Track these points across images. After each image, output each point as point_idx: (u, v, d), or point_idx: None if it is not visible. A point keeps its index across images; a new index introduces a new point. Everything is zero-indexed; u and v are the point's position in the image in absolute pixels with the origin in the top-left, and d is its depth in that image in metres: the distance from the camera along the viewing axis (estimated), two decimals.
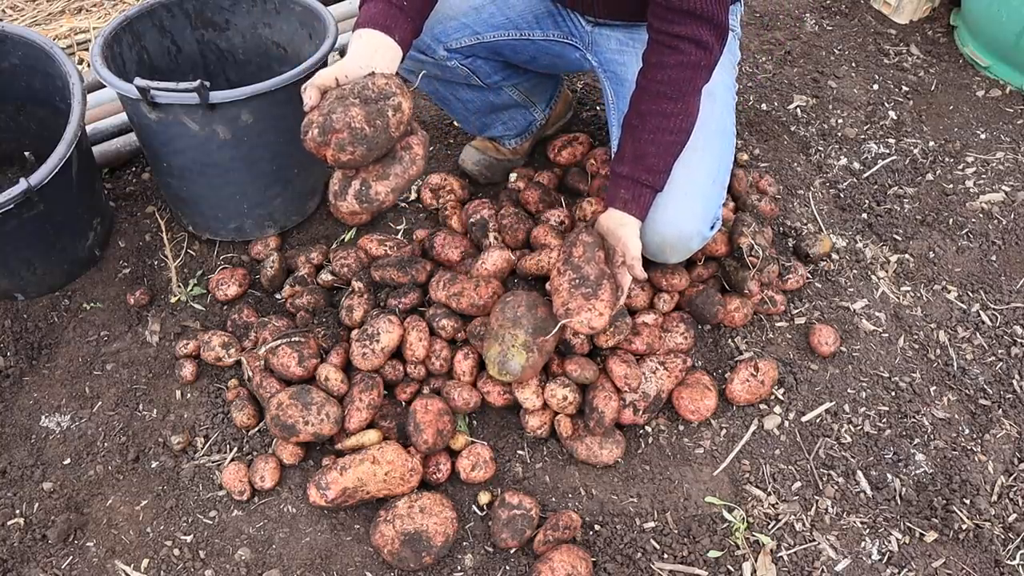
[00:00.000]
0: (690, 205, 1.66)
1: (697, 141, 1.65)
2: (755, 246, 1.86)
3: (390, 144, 1.39)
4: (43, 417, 1.79)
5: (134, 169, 2.32)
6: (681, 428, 1.77)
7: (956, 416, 1.80)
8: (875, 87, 2.61)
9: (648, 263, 1.84)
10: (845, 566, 1.58)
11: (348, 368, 1.74)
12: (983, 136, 2.45)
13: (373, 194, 1.39)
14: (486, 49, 1.86)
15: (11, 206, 1.68)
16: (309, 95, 1.40)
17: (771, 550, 1.59)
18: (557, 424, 1.69)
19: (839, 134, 2.45)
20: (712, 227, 1.73)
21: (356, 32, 1.47)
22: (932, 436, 1.77)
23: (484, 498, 1.65)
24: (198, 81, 1.70)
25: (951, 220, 2.20)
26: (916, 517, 1.65)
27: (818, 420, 1.79)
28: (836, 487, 1.69)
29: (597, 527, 1.62)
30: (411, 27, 1.51)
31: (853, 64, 2.70)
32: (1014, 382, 1.86)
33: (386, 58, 1.44)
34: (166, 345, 1.90)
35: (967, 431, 1.78)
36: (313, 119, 1.37)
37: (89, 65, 2.57)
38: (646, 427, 1.77)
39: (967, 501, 1.66)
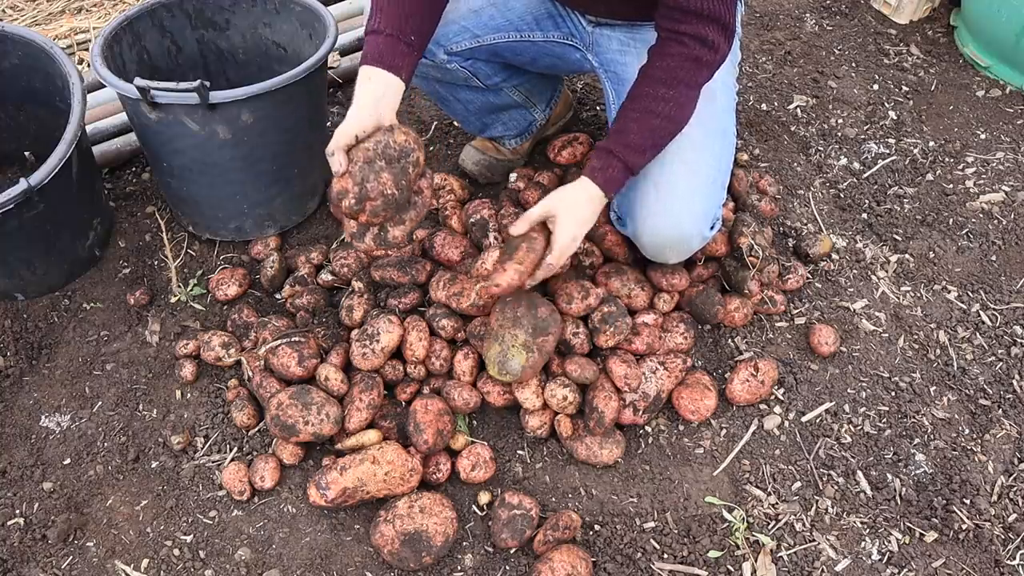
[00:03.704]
0: (690, 205, 1.65)
1: (697, 141, 1.65)
2: (755, 246, 1.86)
3: (409, 197, 1.51)
4: (43, 417, 1.79)
5: (134, 169, 2.33)
6: (681, 428, 1.77)
7: (956, 416, 1.81)
8: (875, 87, 2.61)
9: (648, 263, 1.84)
10: (845, 566, 1.58)
11: (348, 368, 1.74)
12: (983, 136, 2.45)
13: (391, 238, 1.52)
14: (486, 51, 1.86)
15: (11, 206, 1.68)
16: (339, 161, 1.44)
17: (771, 550, 1.59)
18: (557, 424, 1.69)
19: (839, 134, 2.45)
20: (712, 227, 1.73)
21: (364, 70, 1.49)
22: (932, 436, 1.77)
23: (484, 498, 1.65)
24: (198, 81, 1.70)
25: (951, 220, 2.20)
26: (916, 517, 1.65)
27: (818, 420, 1.79)
28: (836, 487, 1.69)
29: (597, 527, 1.62)
30: (416, 58, 1.54)
31: (853, 64, 2.70)
32: (1014, 382, 1.86)
33: (392, 101, 1.49)
34: (166, 345, 1.90)
35: (967, 431, 1.78)
36: (348, 189, 1.44)
37: (89, 65, 2.57)
38: (646, 427, 1.77)
39: (967, 501, 1.66)
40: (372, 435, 1.64)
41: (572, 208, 1.58)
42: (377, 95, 1.47)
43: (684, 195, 1.64)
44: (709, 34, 1.49)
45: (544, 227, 1.62)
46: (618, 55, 1.80)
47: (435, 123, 2.47)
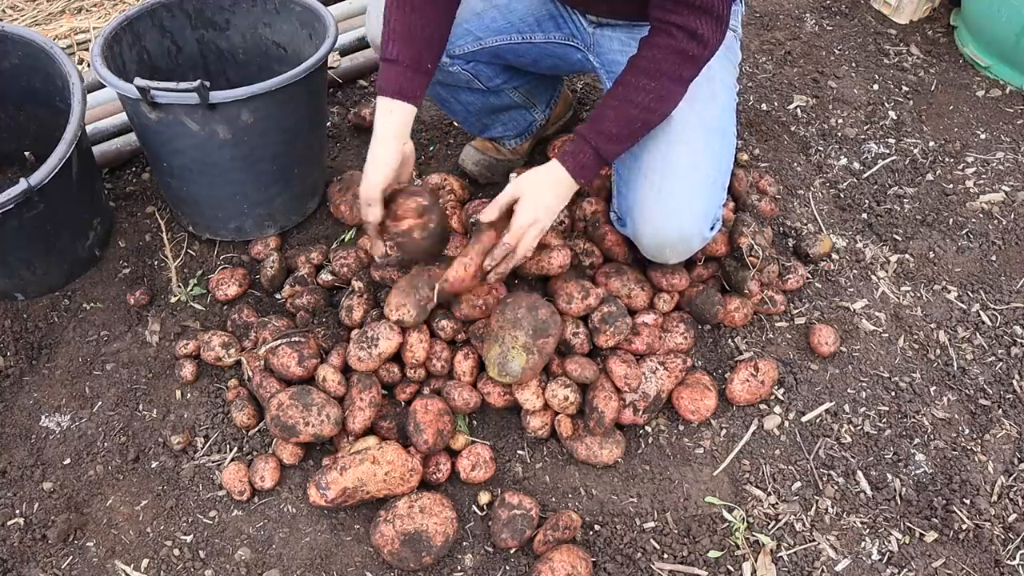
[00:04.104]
0: (690, 205, 1.65)
1: (697, 141, 1.64)
2: (755, 246, 1.86)
3: (421, 258, 1.73)
4: (43, 417, 1.79)
5: (134, 169, 2.32)
6: (681, 428, 1.77)
7: (956, 416, 1.81)
8: (875, 87, 2.61)
9: (648, 263, 1.84)
10: (845, 566, 1.58)
11: (347, 369, 1.74)
12: (983, 136, 2.45)
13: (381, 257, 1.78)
14: (488, 54, 1.86)
15: (11, 206, 1.68)
16: (376, 213, 1.58)
17: (771, 550, 1.59)
18: (557, 424, 1.69)
19: (839, 134, 2.45)
20: (713, 227, 1.72)
21: (384, 102, 1.55)
22: (932, 436, 1.77)
23: (484, 498, 1.65)
24: (198, 81, 1.70)
25: (951, 220, 2.20)
26: (916, 517, 1.65)
27: (818, 420, 1.79)
28: (836, 487, 1.69)
29: (597, 527, 1.62)
30: (429, 79, 1.60)
31: (853, 64, 2.70)
32: (1014, 382, 1.86)
33: (409, 126, 1.58)
34: (166, 345, 1.90)
35: (967, 431, 1.78)
36: (418, 207, 1.61)
37: (89, 65, 2.57)
38: (646, 427, 1.77)
39: (967, 501, 1.66)
40: (371, 442, 1.64)
41: (535, 189, 1.57)
42: (398, 128, 1.55)
43: (684, 195, 1.64)
44: (700, 27, 1.47)
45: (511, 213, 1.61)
46: (619, 55, 1.80)
47: (435, 123, 2.47)
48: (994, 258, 2.12)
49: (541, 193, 1.57)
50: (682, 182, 1.63)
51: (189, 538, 1.61)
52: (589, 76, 2.61)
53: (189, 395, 1.82)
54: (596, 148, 1.55)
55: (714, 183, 1.70)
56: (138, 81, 1.71)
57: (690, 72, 1.54)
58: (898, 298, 2.03)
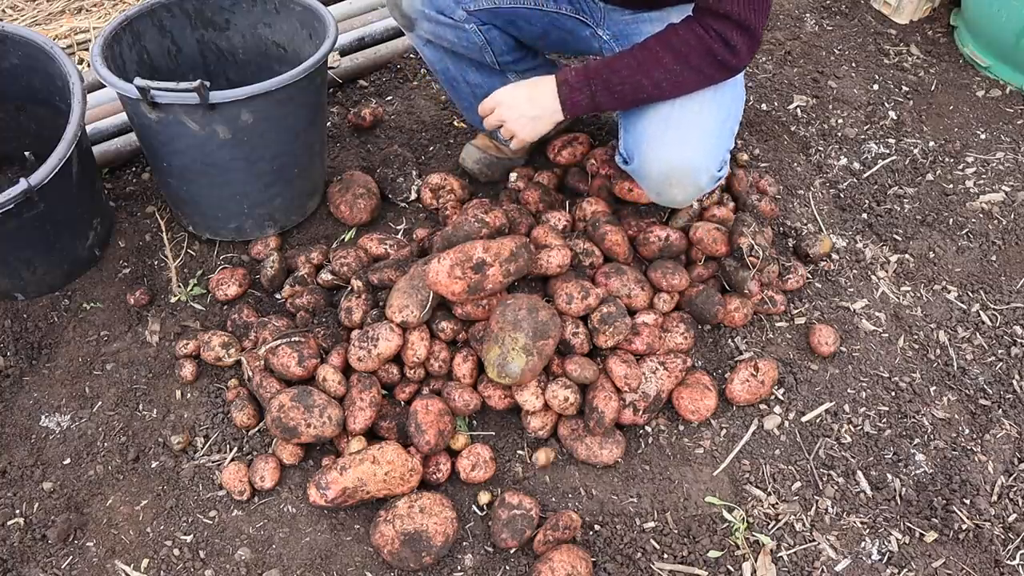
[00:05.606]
0: (698, 135, 1.66)
1: (708, 88, 1.67)
2: (755, 246, 1.86)
3: None
4: (43, 417, 1.79)
5: (134, 169, 2.32)
6: (681, 428, 1.77)
7: (956, 416, 1.81)
8: (875, 87, 2.61)
9: (649, 264, 1.83)
10: (845, 566, 1.58)
11: (347, 369, 1.74)
12: (983, 136, 2.45)
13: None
14: (503, 19, 1.86)
15: (11, 206, 1.68)
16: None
17: (771, 550, 1.59)
18: (556, 424, 1.69)
19: (839, 134, 2.45)
20: (720, 169, 1.72)
21: None
22: (932, 436, 1.77)
23: (484, 498, 1.65)
24: (198, 81, 1.70)
25: (951, 220, 2.20)
26: (916, 517, 1.65)
27: (818, 420, 1.79)
28: (836, 487, 1.69)
29: (597, 527, 1.62)
30: None
31: (853, 64, 2.70)
32: (1014, 382, 1.86)
33: None
34: (166, 345, 1.90)
35: (967, 431, 1.78)
36: None
37: (89, 65, 2.57)
38: (646, 427, 1.77)
39: (967, 501, 1.66)
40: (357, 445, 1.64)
41: (517, 86, 1.71)
42: None
43: (693, 127, 1.66)
44: (734, 38, 1.54)
45: None
46: (631, 24, 1.82)
47: (435, 123, 2.47)
48: (994, 258, 2.12)
49: (520, 89, 1.69)
50: (692, 116, 1.65)
51: (189, 538, 1.61)
52: None
53: (189, 395, 1.82)
54: (594, 94, 1.62)
55: (723, 124, 1.71)
56: (138, 81, 1.71)
57: (712, 72, 1.58)
58: (898, 298, 2.03)
